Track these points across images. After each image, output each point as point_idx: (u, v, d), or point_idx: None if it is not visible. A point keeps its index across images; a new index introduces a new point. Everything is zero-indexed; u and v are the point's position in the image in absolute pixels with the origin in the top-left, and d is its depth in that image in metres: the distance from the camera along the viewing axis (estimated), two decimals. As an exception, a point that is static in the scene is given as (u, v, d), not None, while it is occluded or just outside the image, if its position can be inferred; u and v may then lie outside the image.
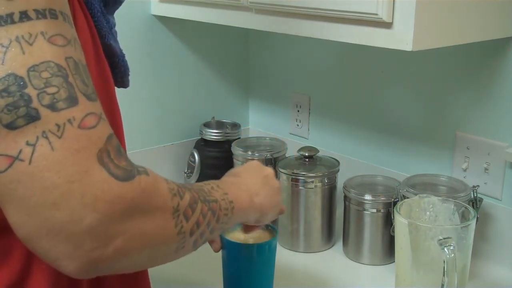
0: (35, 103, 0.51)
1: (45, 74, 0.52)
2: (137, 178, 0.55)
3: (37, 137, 0.51)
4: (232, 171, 0.86)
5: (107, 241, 0.53)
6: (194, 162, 1.51)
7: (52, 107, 0.52)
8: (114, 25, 0.77)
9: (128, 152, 1.61)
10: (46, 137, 0.51)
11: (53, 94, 0.52)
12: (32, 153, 0.51)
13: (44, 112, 0.52)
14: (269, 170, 0.87)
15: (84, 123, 0.53)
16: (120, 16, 1.40)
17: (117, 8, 0.78)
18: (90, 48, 0.66)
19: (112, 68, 0.74)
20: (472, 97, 1.20)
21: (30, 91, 0.52)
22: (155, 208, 0.57)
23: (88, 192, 0.51)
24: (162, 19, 1.50)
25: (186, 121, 1.60)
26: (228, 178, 0.82)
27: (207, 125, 1.56)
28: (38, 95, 0.52)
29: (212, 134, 1.52)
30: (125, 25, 1.44)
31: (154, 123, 1.55)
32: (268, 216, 0.84)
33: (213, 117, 1.59)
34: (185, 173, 1.55)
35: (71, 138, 0.52)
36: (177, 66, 1.56)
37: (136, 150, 1.51)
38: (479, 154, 1.19)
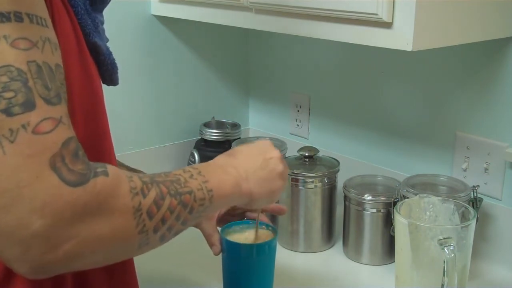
0: None
1: (3, 79, 0.53)
2: (92, 181, 0.55)
3: None
4: (231, 150, 0.84)
5: (56, 245, 0.53)
6: (194, 162, 1.51)
7: (7, 112, 0.52)
8: (102, 23, 0.77)
9: (128, 152, 1.61)
10: None
11: (10, 98, 0.52)
12: None
13: None
14: (274, 153, 0.84)
15: (39, 128, 0.53)
16: (120, 16, 1.42)
17: (105, 6, 0.78)
18: (73, 46, 0.66)
19: (99, 66, 0.74)
20: (472, 97, 1.20)
21: None
22: (112, 210, 0.56)
23: (37, 197, 0.51)
24: (162, 19, 1.50)
25: (186, 121, 1.60)
26: (219, 159, 0.79)
27: (207, 125, 1.56)
28: None
29: (212, 134, 1.52)
30: (125, 25, 1.44)
31: (154, 123, 1.55)
32: (259, 202, 0.81)
33: (213, 117, 1.59)
34: (185, 173, 1.55)
35: (24, 143, 0.52)
36: (177, 66, 1.56)
37: (136, 150, 1.51)
38: (479, 154, 1.19)
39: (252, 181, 0.78)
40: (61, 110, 0.56)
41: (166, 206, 0.62)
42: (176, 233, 0.65)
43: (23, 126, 0.52)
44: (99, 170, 0.56)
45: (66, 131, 0.55)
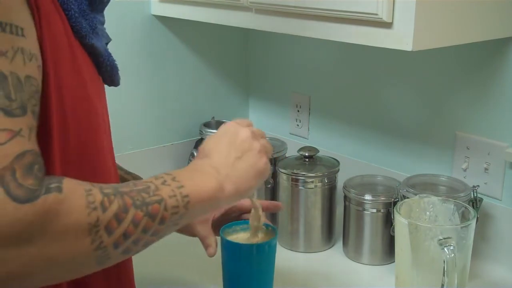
0: None
1: None
2: (42, 198, 0.51)
3: None
4: (202, 149, 0.77)
5: None
6: (194, 162, 1.51)
7: None
8: (102, 23, 0.76)
9: (128, 152, 1.61)
10: None
11: None
12: None
13: None
14: (243, 134, 0.76)
15: None
16: (120, 16, 1.42)
17: (105, 6, 0.76)
18: (65, 52, 0.65)
19: (98, 67, 0.73)
20: (472, 97, 1.20)
21: None
22: (64, 229, 0.53)
23: None
24: (162, 19, 1.50)
25: (186, 121, 1.60)
26: (195, 163, 0.74)
27: (207, 125, 1.56)
28: None
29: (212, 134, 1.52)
30: (125, 25, 1.44)
31: (154, 123, 1.55)
32: (249, 191, 0.75)
33: (213, 117, 1.59)
34: (185, 173, 1.55)
35: None
36: (177, 66, 1.56)
37: (137, 150, 1.51)
38: (479, 154, 1.19)
39: (233, 177, 0.72)
40: (22, 122, 0.54)
41: (129, 219, 0.58)
42: (147, 245, 0.62)
43: None
44: (52, 186, 0.53)
45: (22, 144, 0.53)
